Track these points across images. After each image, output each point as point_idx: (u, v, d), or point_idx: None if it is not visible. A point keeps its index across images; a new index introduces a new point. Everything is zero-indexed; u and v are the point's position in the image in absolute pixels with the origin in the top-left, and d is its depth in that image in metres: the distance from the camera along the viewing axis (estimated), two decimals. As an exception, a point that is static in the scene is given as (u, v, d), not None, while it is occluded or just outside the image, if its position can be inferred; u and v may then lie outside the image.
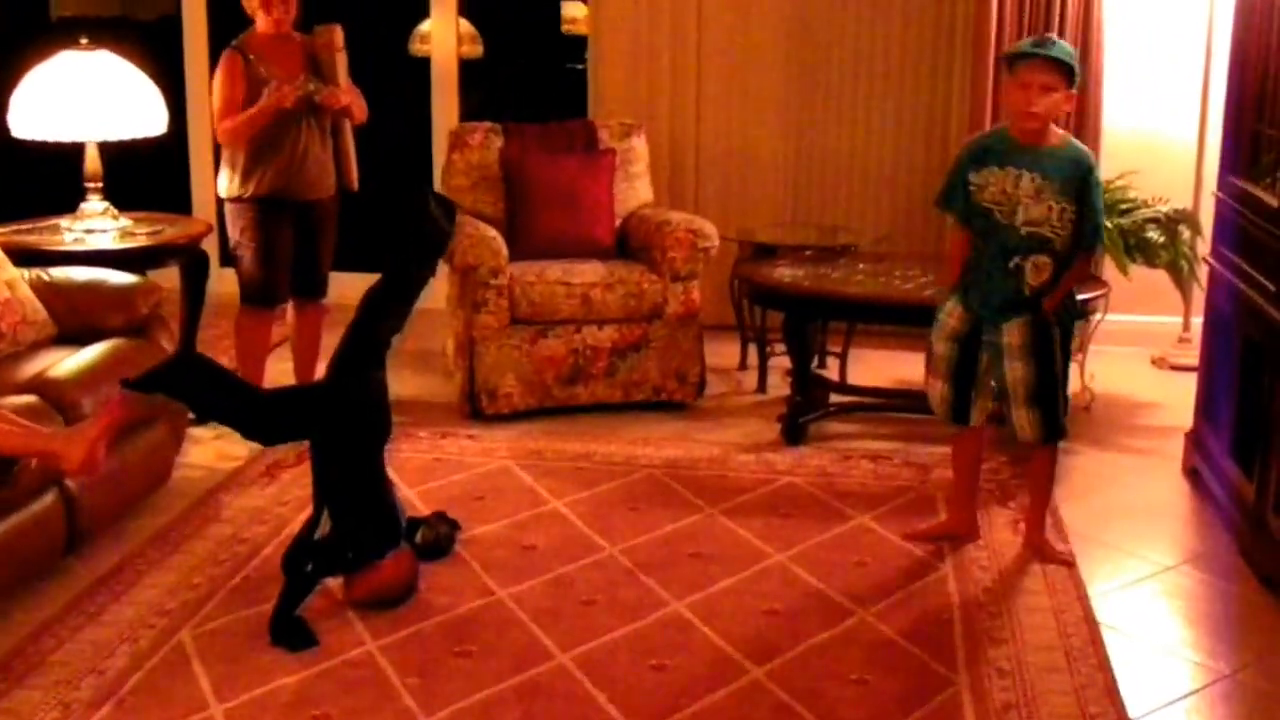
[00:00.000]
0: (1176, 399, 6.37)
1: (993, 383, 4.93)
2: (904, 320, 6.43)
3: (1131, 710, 3.96)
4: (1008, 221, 4.68)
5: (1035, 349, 4.78)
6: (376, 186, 6.38)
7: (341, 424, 4.60)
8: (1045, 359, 4.79)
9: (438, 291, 7.49)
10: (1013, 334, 4.78)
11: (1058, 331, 4.80)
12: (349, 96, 6.10)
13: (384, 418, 4.75)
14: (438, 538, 4.91)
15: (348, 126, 6.24)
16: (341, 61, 6.10)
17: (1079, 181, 4.66)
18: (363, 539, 4.50)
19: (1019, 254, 4.71)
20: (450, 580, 4.71)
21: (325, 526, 4.48)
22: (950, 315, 4.91)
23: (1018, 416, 4.87)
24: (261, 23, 5.98)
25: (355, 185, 6.33)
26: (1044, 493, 5.08)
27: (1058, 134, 4.75)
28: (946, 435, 6.01)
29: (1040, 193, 4.64)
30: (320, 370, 6.49)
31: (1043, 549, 4.97)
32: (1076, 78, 4.66)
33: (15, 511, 4.31)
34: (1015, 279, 4.73)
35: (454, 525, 5.03)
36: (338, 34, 6.12)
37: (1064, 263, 4.73)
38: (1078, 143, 4.86)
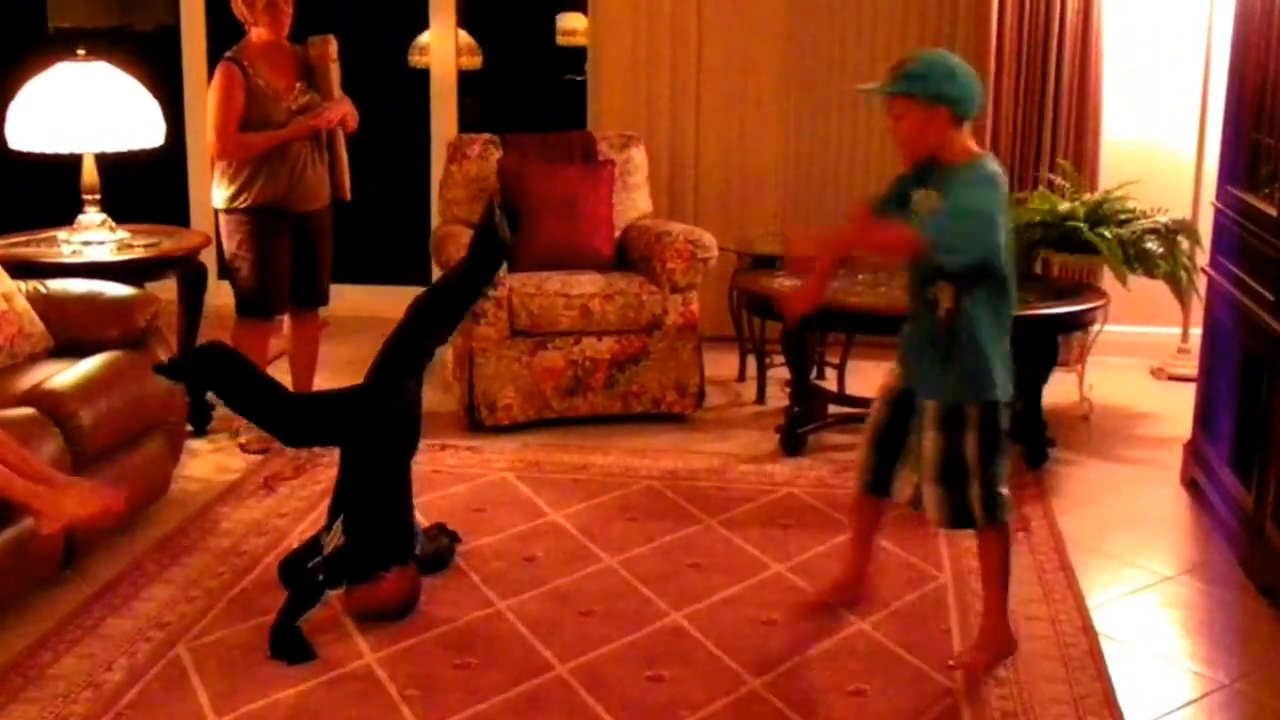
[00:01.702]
0: (1175, 409, 6.37)
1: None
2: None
3: (1130, 721, 3.96)
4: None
5: (946, 421, 4.19)
6: (373, 197, 6.40)
7: (372, 433, 4.62)
8: (956, 434, 4.19)
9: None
10: (927, 411, 4.23)
11: (975, 411, 4.16)
12: (342, 108, 6.10)
13: (414, 430, 4.78)
14: (438, 550, 4.91)
15: (341, 136, 6.24)
16: (335, 72, 6.11)
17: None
18: (373, 550, 4.50)
19: (929, 282, 4.19)
20: (449, 592, 4.71)
21: (336, 538, 4.48)
22: (891, 372, 4.43)
23: (924, 491, 4.28)
24: (258, 33, 5.97)
25: (348, 194, 6.33)
26: (994, 587, 4.32)
27: (969, 151, 4.20)
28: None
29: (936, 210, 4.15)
30: (318, 383, 6.52)
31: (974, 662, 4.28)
32: (931, 93, 4.08)
33: (12, 524, 4.30)
34: (932, 311, 4.19)
35: (453, 537, 5.03)
36: (332, 44, 6.12)
37: (965, 289, 4.11)
38: (988, 159, 4.25)
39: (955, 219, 4.06)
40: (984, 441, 4.17)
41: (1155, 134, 7.38)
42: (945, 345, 4.16)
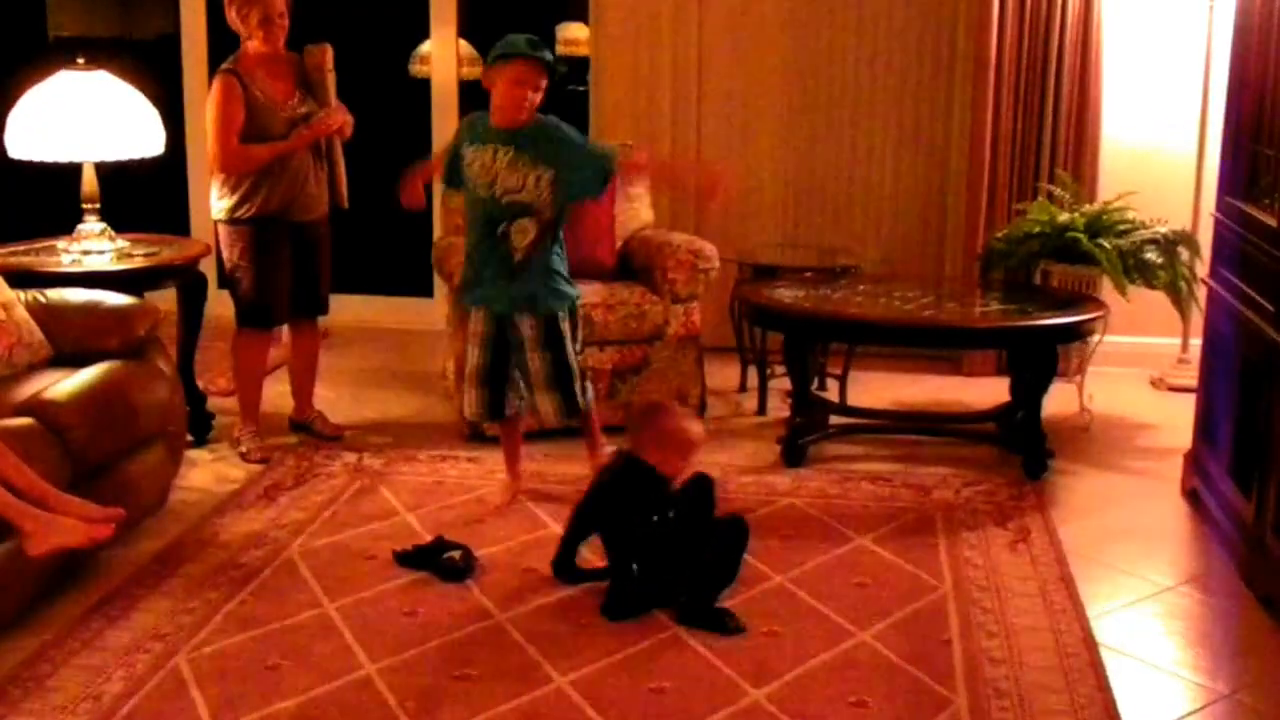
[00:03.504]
0: (1175, 420, 6.37)
1: (517, 373, 5.51)
2: (904, 342, 6.44)
3: (1131, 732, 3.95)
4: (488, 194, 5.28)
5: (548, 341, 5.39)
6: (373, 206, 6.40)
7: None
8: (558, 348, 5.40)
9: (437, 313, 7.52)
10: (526, 328, 5.38)
11: (566, 323, 5.43)
12: (340, 116, 6.11)
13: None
14: (465, 558, 4.95)
15: (338, 145, 6.24)
16: (331, 81, 6.11)
17: (553, 146, 5.30)
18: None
19: (504, 221, 5.30)
20: (449, 603, 4.70)
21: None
22: (475, 320, 5.50)
23: (540, 402, 5.49)
24: (256, 43, 5.97)
25: (346, 203, 6.33)
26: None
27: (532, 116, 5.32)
28: (945, 456, 6.04)
29: (515, 165, 5.25)
30: (318, 392, 6.52)
31: None
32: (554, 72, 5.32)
33: (10, 536, 4.29)
34: (504, 245, 5.31)
35: (467, 552, 5.01)
36: (328, 54, 6.12)
37: (551, 223, 5.33)
38: (544, 117, 5.39)
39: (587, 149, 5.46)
40: (576, 344, 5.50)
41: (1155, 144, 7.38)
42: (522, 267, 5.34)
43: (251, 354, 6.22)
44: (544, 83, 5.28)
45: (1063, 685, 4.18)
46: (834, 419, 6.56)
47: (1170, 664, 4.42)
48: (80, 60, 6.21)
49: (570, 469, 5.96)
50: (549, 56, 5.29)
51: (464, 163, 5.36)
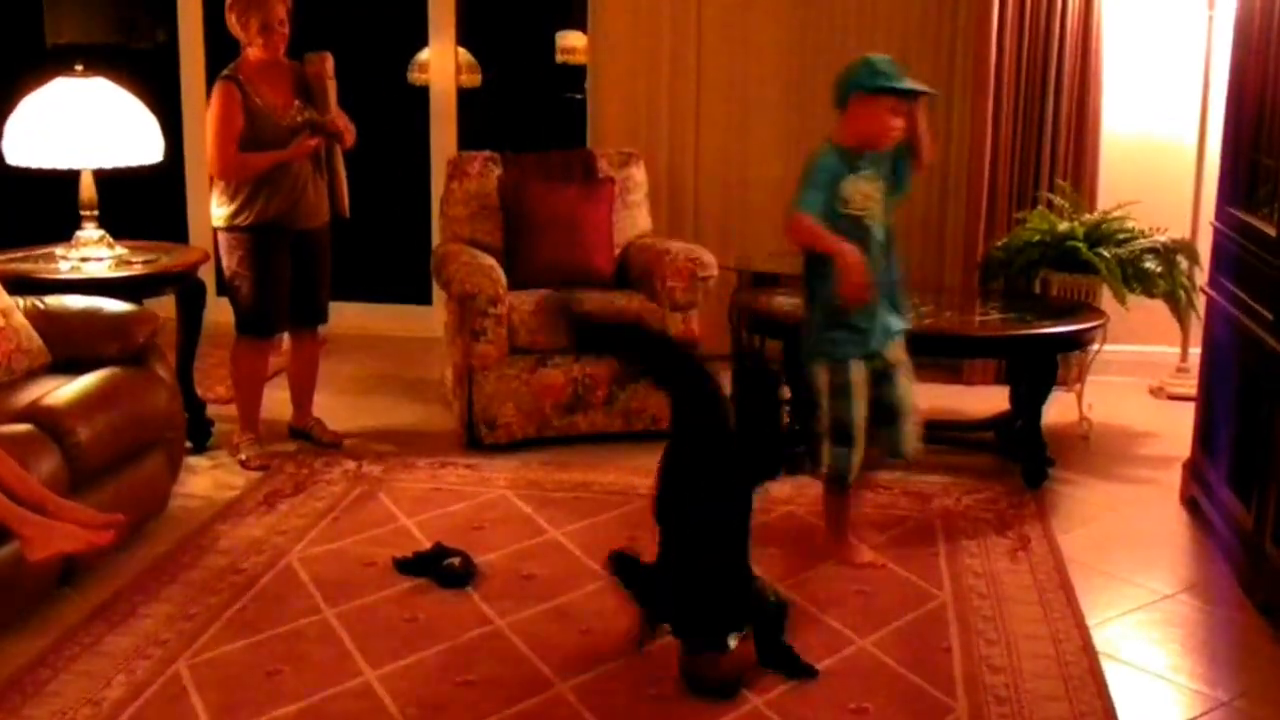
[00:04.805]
0: (1174, 429, 6.36)
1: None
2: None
3: (1132, 740, 3.96)
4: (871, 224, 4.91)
5: (908, 361, 5.08)
6: (373, 214, 6.40)
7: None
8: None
9: (436, 320, 7.52)
10: (897, 351, 5.03)
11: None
12: (340, 123, 6.11)
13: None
14: (465, 564, 4.94)
15: (339, 153, 6.24)
16: (332, 89, 6.11)
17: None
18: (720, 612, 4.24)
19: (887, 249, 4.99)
20: (449, 609, 4.70)
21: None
22: (856, 372, 4.97)
23: (908, 431, 5.06)
24: (256, 50, 5.98)
25: (347, 212, 6.33)
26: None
27: None
28: (945, 464, 6.04)
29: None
30: (318, 400, 6.52)
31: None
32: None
33: (10, 540, 4.29)
34: (888, 276, 4.99)
35: (466, 558, 5.01)
36: (328, 61, 6.12)
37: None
38: None
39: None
40: None
41: (1154, 153, 7.39)
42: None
43: (250, 362, 6.22)
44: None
45: (1062, 693, 4.18)
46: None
47: (1169, 672, 4.42)
48: (79, 67, 6.21)
49: (569, 476, 5.96)
50: (922, 90, 4.95)
51: (839, 198, 4.89)
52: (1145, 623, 4.75)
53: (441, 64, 8.28)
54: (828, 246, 4.81)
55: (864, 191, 4.89)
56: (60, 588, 4.72)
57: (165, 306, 6.16)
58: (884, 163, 4.93)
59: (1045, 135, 7.27)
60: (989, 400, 6.89)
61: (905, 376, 5.04)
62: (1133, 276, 6.54)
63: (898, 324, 5.03)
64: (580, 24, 8.24)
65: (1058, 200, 6.96)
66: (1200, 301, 6.24)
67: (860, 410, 4.96)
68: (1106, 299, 6.67)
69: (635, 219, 7.05)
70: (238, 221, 6.03)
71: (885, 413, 5.02)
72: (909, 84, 4.84)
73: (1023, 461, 6.01)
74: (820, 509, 5.39)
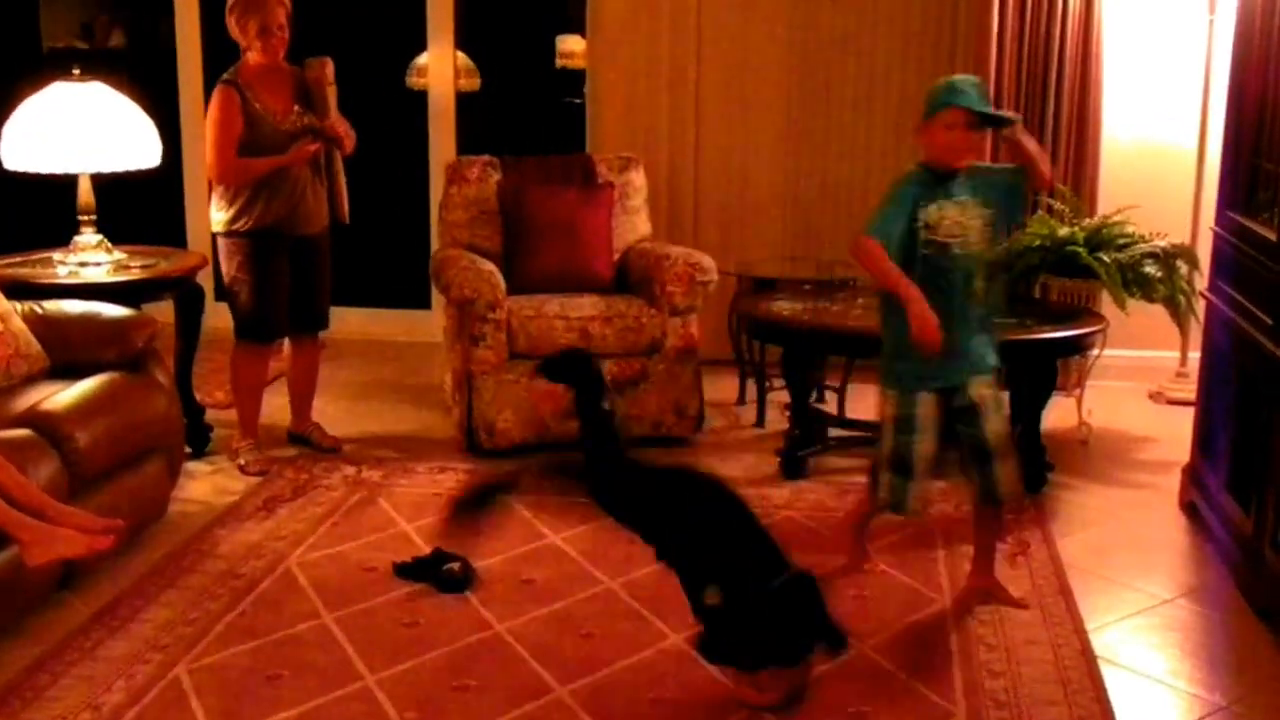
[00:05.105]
0: (1174, 433, 6.36)
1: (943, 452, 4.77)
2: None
3: (1131, 745, 3.96)
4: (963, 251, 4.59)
5: (998, 399, 4.76)
6: (372, 219, 6.39)
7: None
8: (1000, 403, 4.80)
9: (435, 325, 7.52)
10: (982, 387, 4.67)
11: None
12: (341, 128, 6.11)
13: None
14: (464, 569, 4.94)
15: (339, 159, 6.24)
16: (332, 94, 6.10)
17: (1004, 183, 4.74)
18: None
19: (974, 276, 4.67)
20: (448, 614, 4.70)
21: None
22: (924, 406, 4.65)
23: (1001, 472, 4.70)
24: (255, 54, 5.98)
25: (347, 218, 6.33)
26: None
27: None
28: (944, 467, 6.02)
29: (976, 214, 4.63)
30: (318, 405, 6.52)
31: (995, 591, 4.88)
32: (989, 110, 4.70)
33: (10, 545, 4.29)
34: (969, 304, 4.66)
35: (465, 562, 5.00)
36: (329, 67, 6.12)
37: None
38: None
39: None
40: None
41: (1154, 158, 7.39)
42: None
43: (250, 367, 6.22)
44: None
45: (1061, 697, 4.19)
46: (833, 431, 6.56)
47: (1168, 676, 4.42)
48: (76, 71, 6.20)
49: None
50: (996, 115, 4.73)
51: (921, 224, 4.60)
52: (1144, 627, 4.75)
53: (440, 68, 8.29)
54: (894, 287, 4.48)
55: (953, 217, 4.56)
56: (59, 592, 4.72)
57: (164, 311, 6.15)
58: (991, 190, 4.64)
59: (1045, 140, 7.25)
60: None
61: (996, 413, 4.70)
62: (1133, 281, 6.53)
63: (989, 359, 4.72)
64: (579, 28, 8.24)
65: (1058, 205, 6.95)
66: (1200, 306, 6.24)
67: (925, 445, 4.65)
68: (1106, 304, 6.67)
69: (635, 224, 7.05)
70: (237, 226, 6.02)
71: (975, 453, 4.70)
72: (980, 103, 4.58)
73: (1022, 466, 6.00)
74: (819, 511, 5.39)
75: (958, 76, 4.85)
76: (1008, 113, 4.95)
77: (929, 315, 4.40)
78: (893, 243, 4.54)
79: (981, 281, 4.67)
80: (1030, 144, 4.68)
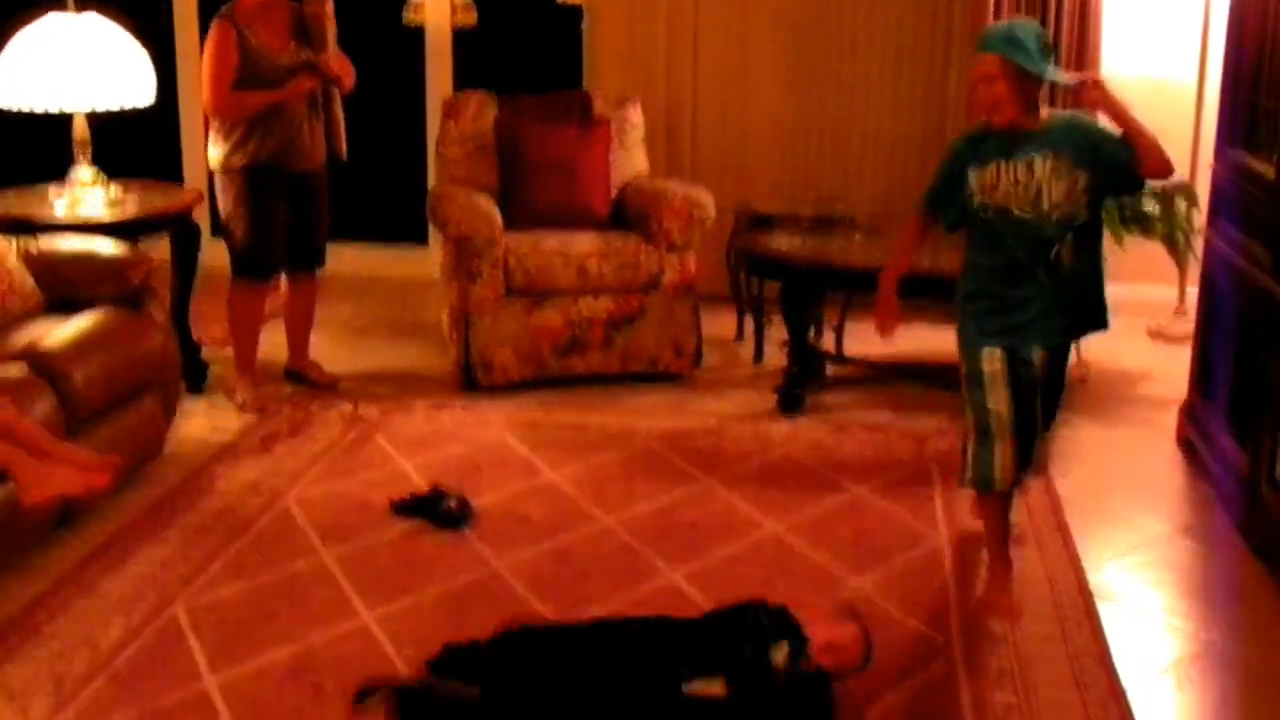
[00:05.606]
0: (1172, 371, 6.36)
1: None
2: (901, 291, 6.39)
3: (1124, 678, 3.96)
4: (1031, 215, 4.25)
5: (1053, 365, 4.64)
6: (369, 155, 6.35)
7: None
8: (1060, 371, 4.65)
9: (432, 261, 7.49)
10: (1039, 351, 4.39)
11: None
12: (339, 64, 6.07)
13: None
14: (462, 506, 4.95)
15: (337, 96, 6.21)
16: (331, 30, 6.06)
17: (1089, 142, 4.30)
18: None
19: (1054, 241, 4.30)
20: (446, 551, 4.71)
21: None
22: (989, 360, 4.32)
23: (1035, 446, 4.46)
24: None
25: (344, 155, 6.30)
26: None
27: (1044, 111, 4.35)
28: (943, 405, 6.02)
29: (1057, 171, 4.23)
30: (314, 342, 6.50)
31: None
32: (1020, 60, 4.19)
33: (6, 483, 4.29)
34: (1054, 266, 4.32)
35: (463, 501, 5.01)
36: (328, 3, 6.07)
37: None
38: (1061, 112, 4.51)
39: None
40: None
41: (1153, 95, 7.34)
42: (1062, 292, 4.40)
43: (246, 305, 6.20)
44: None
45: (1058, 633, 4.20)
46: (831, 368, 6.55)
47: (1164, 612, 4.43)
48: (69, 2, 6.13)
49: (566, 417, 5.97)
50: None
51: (969, 189, 4.34)
52: (1141, 564, 4.76)
53: (437, 3, 8.23)
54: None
55: (1016, 178, 4.23)
56: (57, 530, 4.72)
57: (160, 249, 6.13)
58: (1091, 153, 4.25)
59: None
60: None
61: (1051, 388, 4.56)
62: (1131, 218, 6.52)
63: (1052, 335, 4.43)
64: (576, -38, 8.17)
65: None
66: (1198, 244, 6.22)
67: (998, 401, 4.29)
68: (1104, 240, 6.63)
69: (632, 160, 7.02)
70: (232, 161, 5.99)
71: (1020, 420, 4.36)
72: (1005, 47, 4.17)
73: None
74: (817, 449, 5.39)
75: (1009, 21, 4.57)
76: (1062, 74, 4.55)
77: (886, 305, 4.65)
78: (946, 208, 4.46)
79: (1066, 248, 4.31)
80: (1123, 116, 4.29)
